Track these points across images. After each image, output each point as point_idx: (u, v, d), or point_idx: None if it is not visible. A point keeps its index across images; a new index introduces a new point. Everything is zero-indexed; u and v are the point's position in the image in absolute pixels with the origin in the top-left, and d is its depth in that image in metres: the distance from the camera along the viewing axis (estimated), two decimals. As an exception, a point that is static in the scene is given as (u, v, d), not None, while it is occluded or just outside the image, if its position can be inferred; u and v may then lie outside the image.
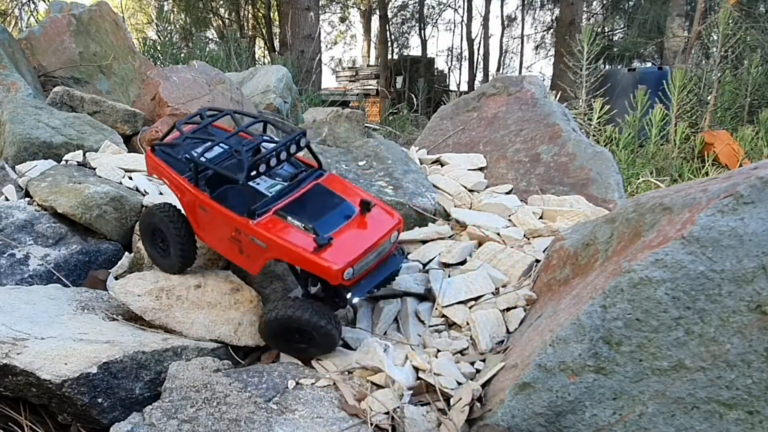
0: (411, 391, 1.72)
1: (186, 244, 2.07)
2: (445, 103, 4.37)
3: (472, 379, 1.76)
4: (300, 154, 2.05)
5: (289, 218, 1.83)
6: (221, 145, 2.06)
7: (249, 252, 1.86)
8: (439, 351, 1.89)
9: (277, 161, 1.88)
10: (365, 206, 1.90)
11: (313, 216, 1.84)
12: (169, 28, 8.30)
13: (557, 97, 6.87)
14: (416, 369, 1.80)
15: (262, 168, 1.85)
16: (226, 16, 15.11)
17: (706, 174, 5.87)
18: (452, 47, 18.92)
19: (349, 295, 1.81)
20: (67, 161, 2.96)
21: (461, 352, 1.90)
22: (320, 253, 1.73)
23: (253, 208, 1.81)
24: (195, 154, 1.94)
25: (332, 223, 1.84)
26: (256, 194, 1.91)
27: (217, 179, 1.97)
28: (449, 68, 18.31)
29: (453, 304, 2.06)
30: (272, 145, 1.91)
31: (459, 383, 1.74)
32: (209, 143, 2.02)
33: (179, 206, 2.09)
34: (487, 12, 16.19)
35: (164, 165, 2.05)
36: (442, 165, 3.21)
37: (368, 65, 16.42)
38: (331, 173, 2.06)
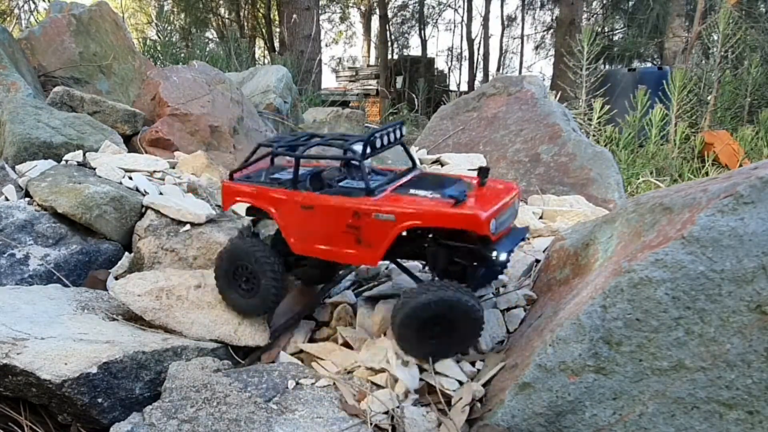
0: (417, 395, 1.72)
1: (280, 280, 1.94)
2: (445, 103, 4.37)
3: (472, 379, 1.76)
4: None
5: (412, 191, 1.79)
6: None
7: (370, 238, 1.76)
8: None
9: (387, 141, 1.88)
10: (484, 172, 1.86)
11: (435, 189, 1.80)
12: (169, 28, 8.29)
13: (557, 97, 6.87)
14: (420, 369, 1.80)
15: (378, 144, 1.83)
16: (226, 16, 15.10)
17: (706, 174, 5.87)
18: (452, 47, 18.91)
19: (494, 253, 1.71)
20: (67, 161, 2.96)
21: (461, 352, 1.90)
22: (462, 206, 1.67)
23: (372, 188, 1.77)
24: (290, 159, 1.88)
25: (457, 191, 1.77)
26: (361, 186, 1.83)
27: (312, 183, 1.91)
28: (449, 68, 18.30)
29: (453, 304, 2.06)
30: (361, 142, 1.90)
31: (460, 383, 1.74)
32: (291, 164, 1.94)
33: (259, 235, 2.04)
34: (487, 12, 16.19)
35: (248, 184, 1.97)
36: (442, 165, 3.21)
37: (368, 65, 16.42)
38: (426, 170, 2.05)
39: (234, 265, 1.99)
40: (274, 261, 1.94)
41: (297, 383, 1.73)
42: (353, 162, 1.86)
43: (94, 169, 2.91)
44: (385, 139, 1.88)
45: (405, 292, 1.75)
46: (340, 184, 1.95)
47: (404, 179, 1.91)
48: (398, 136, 1.94)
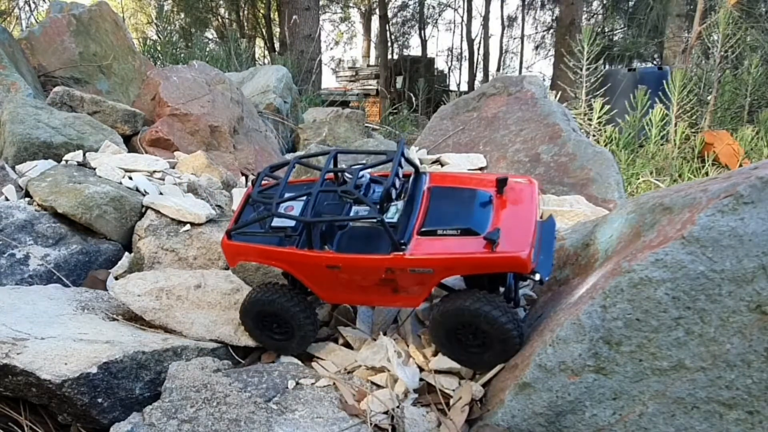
0: (417, 395, 1.72)
1: (313, 323, 1.88)
2: (445, 103, 4.37)
3: (472, 379, 1.76)
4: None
5: (439, 231, 1.70)
6: (296, 200, 1.86)
7: (408, 287, 1.72)
8: (438, 351, 1.89)
9: (398, 181, 1.77)
10: (502, 183, 1.80)
11: (459, 218, 1.72)
12: (169, 28, 8.29)
13: (557, 97, 6.88)
14: (420, 369, 1.80)
15: (393, 194, 1.74)
16: (226, 16, 15.10)
17: (706, 174, 5.87)
18: (452, 47, 18.92)
19: (537, 277, 1.66)
20: (67, 161, 2.96)
21: (461, 352, 1.89)
22: (499, 248, 1.61)
23: (397, 240, 1.68)
24: (295, 216, 1.76)
25: (483, 216, 1.72)
26: (379, 227, 1.72)
27: (322, 231, 1.80)
28: (449, 68, 18.31)
29: (453, 304, 2.06)
30: (367, 171, 1.80)
31: (459, 383, 1.74)
32: (286, 202, 1.84)
33: (279, 278, 1.92)
34: (487, 12, 16.20)
35: (252, 244, 1.85)
36: (442, 165, 3.20)
37: (368, 65, 16.43)
38: (431, 172, 1.94)
39: (263, 314, 1.89)
40: (308, 310, 1.86)
41: (297, 383, 1.73)
42: (372, 217, 1.72)
43: (94, 169, 2.91)
44: (398, 182, 1.77)
45: (447, 295, 1.74)
46: (350, 214, 1.84)
47: (421, 207, 1.79)
48: (401, 160, 1.82)
